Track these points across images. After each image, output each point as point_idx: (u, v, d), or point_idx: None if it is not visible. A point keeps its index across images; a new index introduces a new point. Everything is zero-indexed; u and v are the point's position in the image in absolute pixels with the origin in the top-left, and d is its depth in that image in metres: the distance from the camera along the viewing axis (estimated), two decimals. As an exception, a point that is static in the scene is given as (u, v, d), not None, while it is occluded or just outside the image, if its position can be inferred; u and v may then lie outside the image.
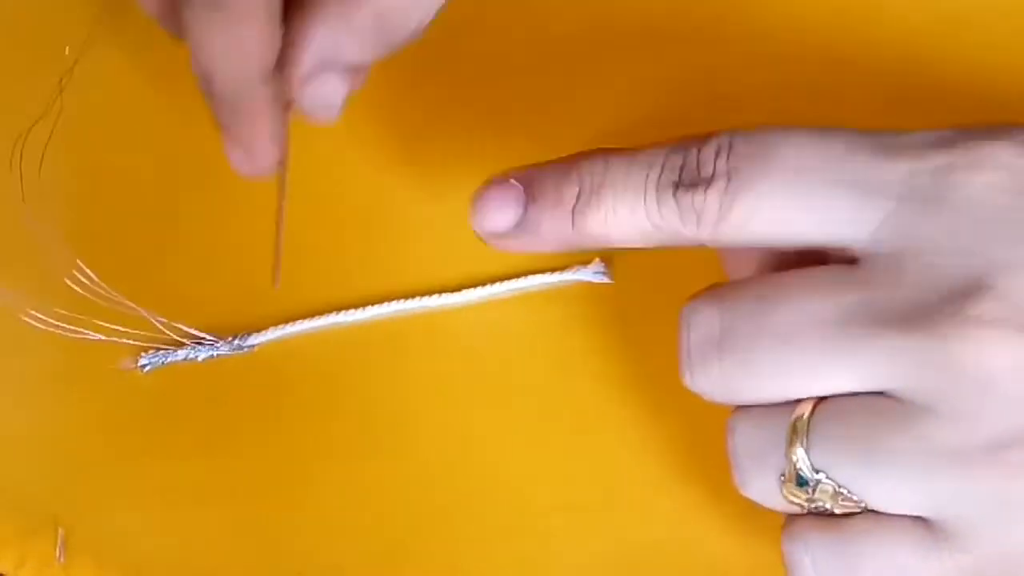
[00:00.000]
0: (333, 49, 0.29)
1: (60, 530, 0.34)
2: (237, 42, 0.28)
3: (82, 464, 0.34)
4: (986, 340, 0.24)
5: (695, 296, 0.27)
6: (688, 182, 0.27)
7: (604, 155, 0.28)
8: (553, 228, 0.29)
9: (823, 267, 0.26)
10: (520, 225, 0.29)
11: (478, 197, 0.29)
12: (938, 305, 0.24)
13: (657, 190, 0.27)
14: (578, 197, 0.28)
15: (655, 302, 0.31)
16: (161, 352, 0.35)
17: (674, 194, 0.27)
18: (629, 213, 0.27)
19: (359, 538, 0.33)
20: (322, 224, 0.35)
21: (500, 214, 0.29)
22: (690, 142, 0.27)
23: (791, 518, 0.27)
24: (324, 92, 0.29)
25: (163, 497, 0.34)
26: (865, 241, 0.25)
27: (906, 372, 0.24)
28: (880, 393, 0.25)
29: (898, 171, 0.25)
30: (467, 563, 0.32)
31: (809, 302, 0.25)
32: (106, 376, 0.35)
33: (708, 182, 0.26)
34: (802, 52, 0.34)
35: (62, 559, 0.33)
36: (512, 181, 0.29)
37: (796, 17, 0.35)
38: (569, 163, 0.29)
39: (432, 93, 0.36)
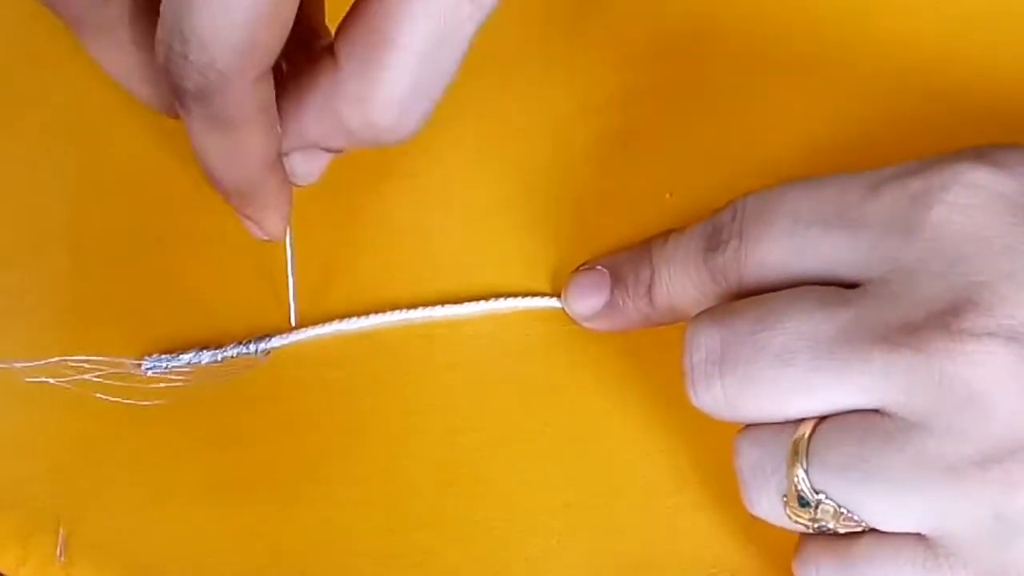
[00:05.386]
0: (323, 140, 0.30)
1: (61, 530, 0.34)
2: (241, 148, 0.29)
3: (83, 464, 0.34)
4: (972, 354, 0.25)
5: (698, 316, 0.29)
6: (712, 246, 0.29)
7: (666, 235, 0.32)
8: (636, 307, 0.32)
9: (821, 287, 0.27)
10: (608, 306, 0.33)
11: (570, 283, 0.34)
12: (924, 322, 0.25)
13: (693, 258, 0.30)
14: (651, 276, 0.32)
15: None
16: (165, 356, 0.35)
17: (704, 260, 0.30)
18: (680, 282, 0.31)
19: (360, 539, 0.33)
20: (330, 233, 0.36)
21: (591, 298, 0.33)
22: (718, 210, 0.30)
23: (802, 542, 0.28)
24: (305, 168, 0.32)
25: (163, 497, 0.34)
26: (860, 269, 0.27)
27: (897, 389, 0.25)
28: (877, 411, 0.26)
29: (881, 203, 0.27)
30: (468, 566, 0.33)
31: (805, 322, 0.26)
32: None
33: (726, 243, 0.29)
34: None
35: (63, 558, 0.33)
36: (599, 268, 0.33)
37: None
38: (644, 245, 0.32)
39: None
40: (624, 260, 0.33)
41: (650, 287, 0.32)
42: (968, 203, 0.26)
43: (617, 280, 0.33)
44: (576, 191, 0.35)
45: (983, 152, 0.27)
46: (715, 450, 0.29)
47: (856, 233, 0.27)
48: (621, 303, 0.33)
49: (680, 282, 0.31)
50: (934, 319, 0.25)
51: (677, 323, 0.31)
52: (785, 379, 0.26)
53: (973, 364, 0.25)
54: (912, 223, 0.26)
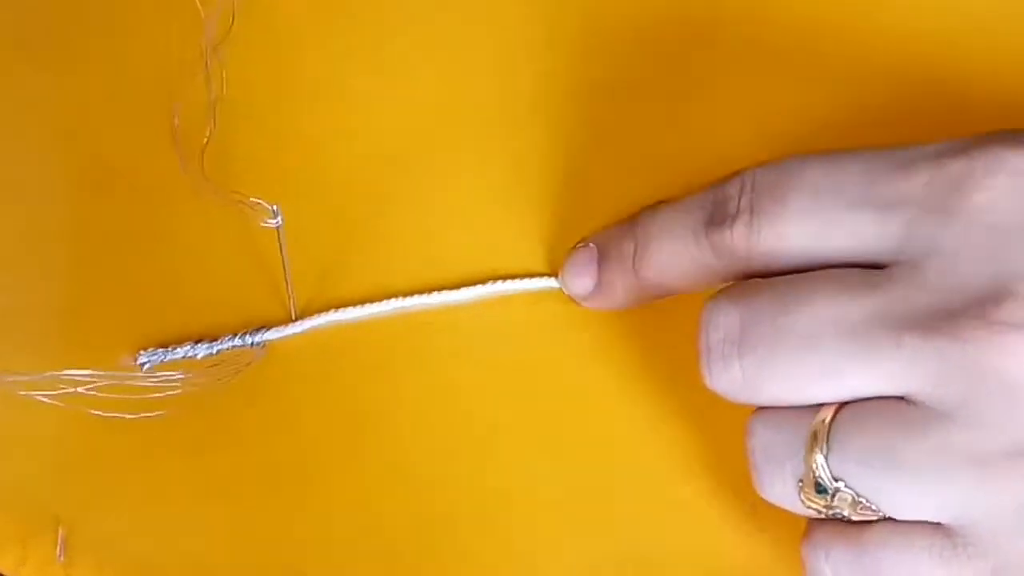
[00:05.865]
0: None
1: (61, 529, 0.34)
2: None
3: (83, 464, 0.34)
4: (1009, 344, 0.24)
5: (716, 294, 0.28)
6: (717, 220, 0.28)
7: (655, 206, 0.31)
8: (624, 283, 0.31)
9: (847, 269, 0.26)
10: (599, 284, 0.32)
11: (565, 262, 0.33)
12: (961, 310, 0.25)
13: (692, 232, 0.29)
14: (635, 250, 0.30)
15: (658, 303, 0.32)
16: (160, 350, 0.35)
17: (706, 234, 0.28)
18: (674, 257, 0.29)
19: (360, 539, 0.33)
20: (326, 223, 0.36)
21: (582, 277, 0.32)
22: (720, 181, 0.29)
23: (811, 526, 0.27)
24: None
25: (163, 497, 0.34)
26: (891, 251, 0.26)
27: (927, 376, 0.25)
28: (901, 398, 0.25)
29: (916, 182, 0.26)
30: (468, 564, 0.32)
31: (832, 305, 0.26)
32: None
33: (734, 218, 0.28)
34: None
35: (62, 558, 0.33)
36: (590, 244, 0.32)
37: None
38: (631, 219, 0.31)
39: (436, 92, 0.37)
40: (610, 235, 0.32)
41: (636, 260, 0.31)
42: (1012, 188, 0.25)
43: (603, 256, 0.32)
44: (574, 174, 0.35)
45: (1021, 137, 0.26)
46: (721, 438, 0.29)
47: (885, 213, 0.26)
48: (608, 279, 0.32)
49: (673, 255, 0.30)
50: (971, 307, 0.25)
51: (670, 297, 0.30)
52: (810, 363, 0.26)
53: (1009, 355, 0.24)
54: (952, 206, 0.25)
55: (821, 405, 0.26)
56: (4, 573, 0.33)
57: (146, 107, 0.37)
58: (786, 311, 0.26)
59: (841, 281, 0.26)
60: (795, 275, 0.27)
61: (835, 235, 0.27)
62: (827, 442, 0.26)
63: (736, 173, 0.28)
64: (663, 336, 0.32)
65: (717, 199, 0.28)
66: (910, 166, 0.26)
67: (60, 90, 0.38)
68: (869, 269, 0.26)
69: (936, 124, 0.31)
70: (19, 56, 0.39)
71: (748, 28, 0.35)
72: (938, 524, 0.25)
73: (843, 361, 0.25)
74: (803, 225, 0.27)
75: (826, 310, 0.26)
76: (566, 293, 0.33)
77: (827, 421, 0.26)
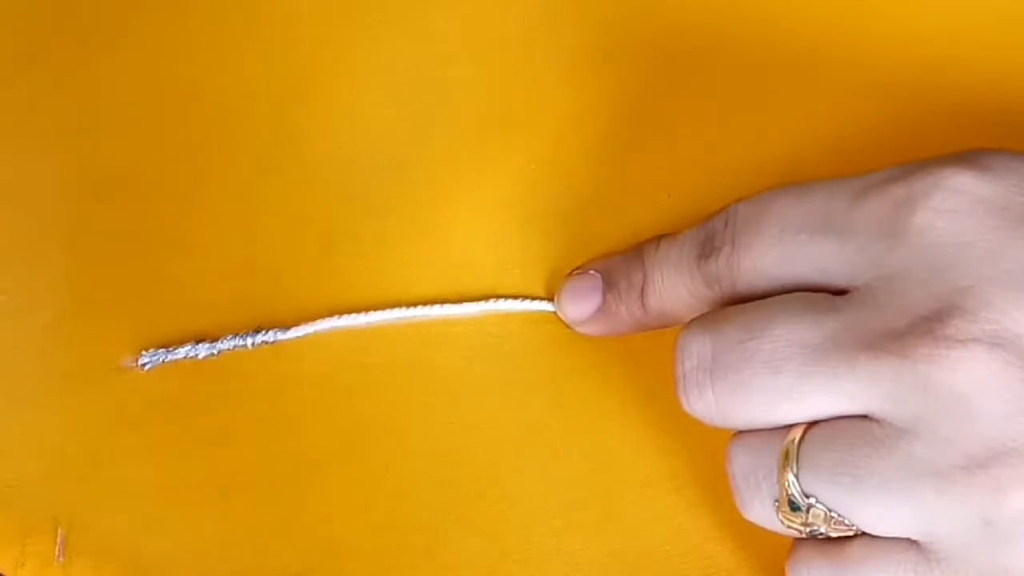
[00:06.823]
0: None
1: (60, 530, 0.34)
2: None
3: (82, 464, 0.34)
4: (956, 359, 0.25)
5: (689, 324, 0.29)
6: (706, 253, 0.29)
7: (658, 239, 0.32)
8: (629, 311, 0.32)
9: (812, 294, 0.27)
10: (601, 311, 0.33)
11: (563, 288, 0.34)
12: (909, 329, 0.25)
13: (687, 263, 0.30)
14: (643, 280, 0.31)
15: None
16: (162, 350, 0.35)
17: (698, 266, 0.30)
18: (673, 287, 0.31)
19: (359, 539, 0.33)
20: (330, 231, 0.35)
21: (583, 303, 0.33)
22: (712, 216, 0.30)
23: (796, 544, 0.28)
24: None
25: (163, 497, 0.34)
26: (849, 277, 0.27)
27: (884, 395, 0.25)
28: (867, 416, 0.26)
29: (866, 210, 0.27)
30: (467, 566, 0.32)
31: (794, 329, 0.27)
32: (107, 375, 0.35)
33: (719, 250, 0.29)
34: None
35: (62, 559, 0.34)
36: (592, 272, 0.33)
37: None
38: (636, 250, 0.32)
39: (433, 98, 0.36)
40: (616, 264, 0.33)
41: (643, 292, 0.32)
42: (951, 208, 0.26)
43: (609, 285, 0.33)
44: (574, 193, 0.35)
45: (967, 156, 0.27)
46: (712, 451, 0.29)
47: (842, 240, 0.27)
48: (614, 308, 0.32)
49: (673, 287, 0.31)
50: (919, 325, 0.25)
51: (670, 327, 0.31)
52: (774, 386, 0.27)
53: (957, 370, 0.25)
54: (896, 229, 0.26)
55: (792, 426, 0.27)
56: (3, 573, 0.34)
57: (148, 107, 0.37)
58: (751, 336, 0.27)
59: (802, 306, 0.27)
60: (762, 300, 0.28)
61: (802, 263, 0.27)
62: (796, 461, 0.26)
63: (724, 208, 0.29)
64: (652, 356, 0.32)
65: (708, 234, 0.30)
66: (864, 194, 0.27)
67: (60, 90, 0.38)
68: (834, 295, 0.27)
69: (946, 138, 0.31)
70: (19, 56, 0.38)
71: (752, 45, 0.35)
72: (914, 541, 0.26)
73: (805, 383, 0.26)
74: (774, 255, 0.28)
75: (788, 334, 0.26)
76: (560, 317, 0.34)
77: (796, 441, 0.26)
